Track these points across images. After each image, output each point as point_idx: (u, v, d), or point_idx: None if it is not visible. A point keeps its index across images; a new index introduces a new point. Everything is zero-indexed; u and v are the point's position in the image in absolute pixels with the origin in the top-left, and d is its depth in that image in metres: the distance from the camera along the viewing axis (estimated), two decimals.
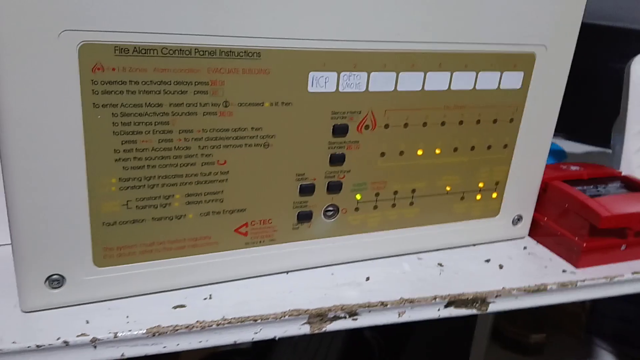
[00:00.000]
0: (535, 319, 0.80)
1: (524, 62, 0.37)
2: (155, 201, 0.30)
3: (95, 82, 0.26)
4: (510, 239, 0.44)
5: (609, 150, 0.55)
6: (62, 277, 0.30)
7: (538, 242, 0.44)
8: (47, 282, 0.29)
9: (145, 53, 0.27)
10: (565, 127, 0.75)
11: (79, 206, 0.29)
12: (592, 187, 0.44)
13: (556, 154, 0.69)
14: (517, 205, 0.42)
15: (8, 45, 0.24)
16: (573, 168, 0.47)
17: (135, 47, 0.27)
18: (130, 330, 0.29)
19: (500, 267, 0.40)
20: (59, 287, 0.30)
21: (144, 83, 0.27)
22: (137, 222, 0.30)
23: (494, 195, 0.41)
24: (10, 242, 0.29)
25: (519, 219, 0.43)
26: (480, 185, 0.40)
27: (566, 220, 0.42)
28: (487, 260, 0.41)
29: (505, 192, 0.41)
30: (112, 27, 0.26)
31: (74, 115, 0.27)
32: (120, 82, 0.27)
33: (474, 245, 0.43)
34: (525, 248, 0.43)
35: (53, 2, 0.24)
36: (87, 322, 0.30)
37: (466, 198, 0.40)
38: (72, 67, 0.26)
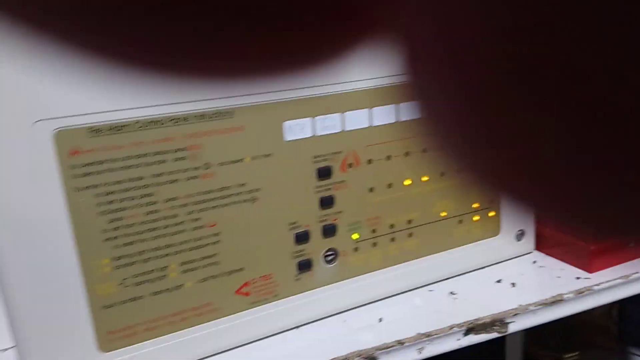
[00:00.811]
0: (566, 338, 0.77)
1: None
2: (151, 275, 0.30)
3: (74, 166, 0.27)
4: (518, 256, 0.43)
5: None
6: None
7: (546, 254, 0.43)
8: None
9: (119, 130, 0.27)
10: None
11: (76, 293, 0.28)
12: None
13: None
14: (516, 220, 0.42)
15: None
16: None
17: (109, 126, 0.27)
18: None
19: (513, 285, 0.39)
20: None
21: (122, 159, 0.28)
22: (136, 299, 0.30)
23: (491, 214, 0.41)
24: (13, 345, 0.28)
25: (522, 233, 0.43)
26: (475, 205, 0.40)
27: None
28: (499, 281, 0.40)
29: (501, 208, 0.41)
30: (84, 110, 0.26)
31: (58, 202, 0.27)
32: (98, 162, 0.27)
33: (483, 268, 0.42)
34: (534, 262, 0.42)
35: (23, 95, 0.25)
36: None
37: (464, 221, 0.40)
38: (49, 155, 0.26)
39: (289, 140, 0.32)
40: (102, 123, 0.27)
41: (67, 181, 0.27)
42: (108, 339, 0.29)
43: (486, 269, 0.42)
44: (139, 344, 0.30)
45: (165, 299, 0.30)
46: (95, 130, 0.27)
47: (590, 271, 0.40)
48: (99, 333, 0.29)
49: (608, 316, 0.78)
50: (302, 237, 0.34)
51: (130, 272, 0.29)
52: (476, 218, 0.40)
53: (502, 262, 0.43)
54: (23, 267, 0.27)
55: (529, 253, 0.44)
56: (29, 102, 0.25)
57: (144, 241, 0.29)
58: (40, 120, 0.26)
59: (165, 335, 0.31)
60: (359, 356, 0.32)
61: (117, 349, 0.30)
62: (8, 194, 0.26)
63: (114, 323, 0.29)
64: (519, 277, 0.40)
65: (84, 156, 0.27)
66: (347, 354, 0.32)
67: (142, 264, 0.29)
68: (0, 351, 0.33)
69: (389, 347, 0.33)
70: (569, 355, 0.75)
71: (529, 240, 0.43)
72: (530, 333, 0.80)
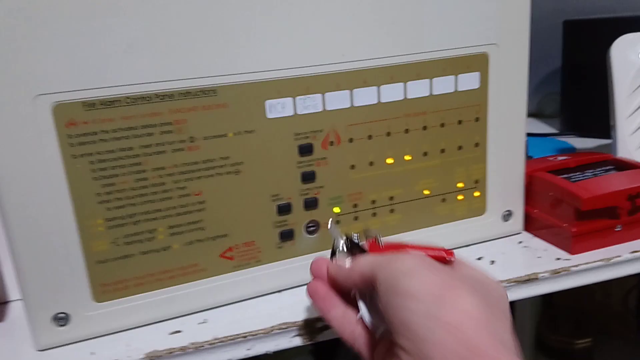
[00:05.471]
0: (579, 324, 0.77)
1: (477, 63, 0.39)
2: (141, 236, 0.33)
3: (71, 136, 0.30)
4: (505, 236, 0.44)
5: None
6: (67, 314, 0.33)
7: (534, 235, 0.44)
8: (54, 320, 0.33)
9: (110, 105, 0.31)
10: (576, 126, 0.75)
11: (73, 247, 0.32)
12: (579, 173, 0.44)
13: (567, 151, 0.68)
14: (503, 201, 0.43)
15: None
16: (561, 158, 0.47)
17: (101, 101, 0.30)
18: (129, 357, 0.32)
19: (492, 262, 0.41)
20: (65, 324, 0.33)
21: (113, 131, 0.31)
22: (127, 257, 0.33)
23: (476, 193, 0.42)
24: (21, 297, 0.32)
25: (509, 214, 0.44)
26: (460, 185, 0.41)
27: (554, 209, 0.42)
28: (479, 258, 0.41)
29: (487, 189, 0.42)
30: (79, 86, 0.30)
31: (57, 167, 0.30)
32: (92, 133, 0.31)
33: (468, 245, 0.43)
34: (520, 242, 0.44)
35: (26, 71, 0.29)
36: (93, 353, 0.33)
37: (447, 200, 0.41)
38: (49, 126, 0.30)
39: (271, 118, 0.34)
40: (94, 98, 0.30)
41: (65, 149, 0.30)
42: (102, 290, 0.33)
43: (471, 247, 0.43)
44: (130, 297, 0.34)
45: (154, 258, 0.34)
46: (89, 104, 0.30)
47: (571, 252, 0.40)
48: (93, 285, 0.33)
49: (624, 305, 0.77)
50: (284, 209, 0.36)
51: (121, 232, 0.33)
52: (460, 197, 0.42)
53: (487, 241, 0.44)
54: (26, 226, 0.31)
55: (517, 234, 0.45)
56: (30, 78, 0.29)
57: (134, 205, 0.33)
58: (41, 94, 0.29)
59: (155, 291, 0.34)
60: None
61: (110, 300, 0.33)
62: (12, 160, 0.29)
63: (107, 277, 0.33)
64: (500, 256, 0.41)
65: (79, 127, 0.30)
66: (319, 316, 0.35)
67: (133, 226, 0.33)
68: (9, 302, 0.37)
69: None
70: (581, 341, 0.75)
71: (517, 221, 0.44)
72: (542, 318, 0.80)
